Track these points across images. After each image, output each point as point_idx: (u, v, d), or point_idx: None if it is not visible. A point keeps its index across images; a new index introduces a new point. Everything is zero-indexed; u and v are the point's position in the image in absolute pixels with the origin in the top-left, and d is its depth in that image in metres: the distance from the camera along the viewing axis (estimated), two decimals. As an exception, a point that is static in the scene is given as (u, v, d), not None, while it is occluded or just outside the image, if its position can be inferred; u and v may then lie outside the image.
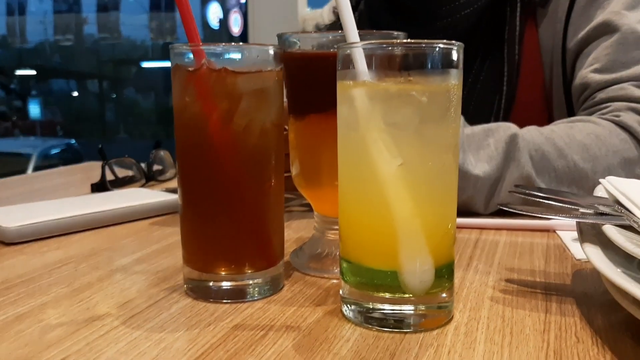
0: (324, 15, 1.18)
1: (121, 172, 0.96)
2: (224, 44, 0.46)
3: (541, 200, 0.50)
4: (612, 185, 0.49)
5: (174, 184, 0.96)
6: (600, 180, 0.52)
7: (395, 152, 0.39)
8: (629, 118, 0.74)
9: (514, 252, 0.58)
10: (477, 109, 0.93)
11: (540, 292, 0.47)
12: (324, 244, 0.55)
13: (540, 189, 0.58)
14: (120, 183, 0.94)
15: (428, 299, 0.41)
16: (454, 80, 0.40)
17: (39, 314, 0.44)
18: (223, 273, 0.47)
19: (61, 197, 0.79)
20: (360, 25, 0.44)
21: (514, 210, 0.50)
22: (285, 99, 0.53)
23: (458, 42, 0.40)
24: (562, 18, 0.88)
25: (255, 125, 0.46)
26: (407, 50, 0.40)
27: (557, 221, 0.64)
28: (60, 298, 0.47)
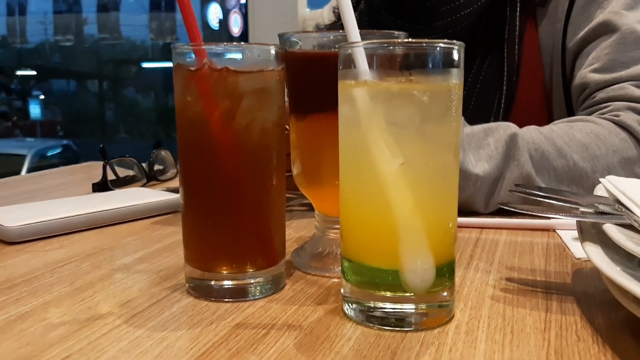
0: (324, 15, 1.18)
1: (122, 172, 0.96)
2: (225, 43, 0.46)
3: (541, 199, 0.50)
4: (612, 185, 0.49)
5: (175, 183, 0.96)
6: (600, 179, 0.52)
7: (396, 151, 0.39)
8: (628, 117, 0.74)
9: (514, 251, 0.58)
10: (477, 108, 0.94)
11: (541, 291, 0.47)
12: (325, 243, 0.55)
13: (540, 188, 0.58)
14: (122, 183, 0.94)
15: (429, 297, 0.41)
16: (455, 79, 0.40)
17: (41, 313, 0.44)
18: (225, 272, 0.47)
19: (63, 197, 0.79)
20: (360, 25, 0.44)
21: (515, 210, 0.50)
22: (286, 99, 0.53)
23: (459, 42, 0.40)
24: (561, 18, 0.88)
25: (256, 125, 0.46)
26: (408, 50, 0.40)
27: (557, 220, 0.65)
28: (63, 297, 0.48)
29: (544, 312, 0.43)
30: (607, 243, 0.42)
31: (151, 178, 0.98)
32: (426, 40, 0.39)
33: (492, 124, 0.73)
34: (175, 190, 0.81)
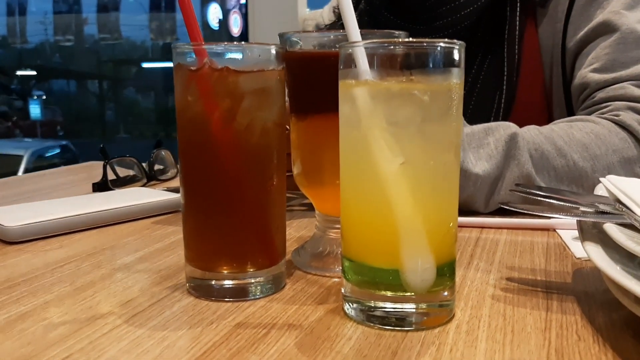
0: (324, 15, 1.18)
1: (122, 172, 0.96)
2: (226, 43, 0.46)
3: (542, 198, 0.50)
4: (613, 184, 0.49)
5: (175, 183, 0.96)
6: (601, 179, 0.52)
7: (397, 151, 0.39)
8: (628, 117, 0.74)
9: (515, 251, 0.58)
10: (477, 108, 0.94)
11: (541, 291, 0.47)
12: (326, 242, 0.55)
13: (540, 188, 0.58)
14: (122, 182, 0.94)
15: (430, 297, 0.41)
16: (456, 79, 0.40)
17: (41, 313, 0.44)
18: (225, 272, 0.47)
19: (63, 197, 0.79)
20: (360, 25, 0.44)
21: (515, 209, 0.50)
22: (286, 99, 0.53)
23: (460, 41, 0.40)
24: (561, 18, 0.88)
25: (257, 125, 0.46)
26: (409, 50, 0.40)
27: (557, 220, 0.65)
28: (63, 297, 0.48)
29: (545, 311, 0.43)
30: (608, 243, 0.42)
31: (151, 178, 0.98)
32: (427, 39, 0.39)
33: (492, 124, 0.73)
34: (175, 190, 0.81)
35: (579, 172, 0.70)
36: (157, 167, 1.00)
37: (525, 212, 0.50)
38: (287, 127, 0.55)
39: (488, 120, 0.81)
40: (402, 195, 0.40)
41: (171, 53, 0.47)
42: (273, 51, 0.47)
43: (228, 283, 0.47)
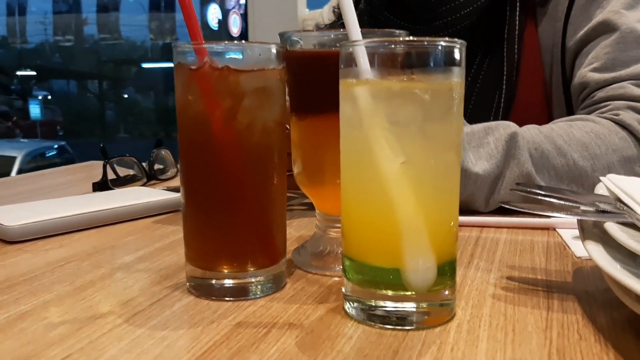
0: (324, 15, 1.18)
1: (122, 171, 0.96)
2: (226, 42, 0.46)
3: (542, 198, 0.50)
4: (613, 183, 0.49)
5: (175, 182, 0.96)
6: (601, 177, 0.52)
7: (398, 150, 0.39)
8: (628, 117, 0.74)
9: (515, 250, 0.58)
10: (476, 107, 0.94)
11: (542, 290, 0.47)
12: (326, 242, 0.55)
13: (540, 187, 0.58)
14: (122, 182, 0.94)
15: (430, 296, 0.41)
16: (457, 78, 0.40)
17: (41, 312, 0.44)
18: (225, 271, 0.47)
19: (63, 196, 0.79)
20: (360, 24, 0.44)
21: (515, 208, 0.50)
22: (287, 98, 0.53)
23: (461, 40, 0.40)
24: (561, 17, 0.88)
25: (257, 124, 0.46)
26: (409, 49, 0.40)
27: (557, 219, 0.65)
28: (63, 296, 0.47)
29: (546, 310, 0.43)
30: (608, 242, 0.42)
31: (151, 177, 0.98)
32: (428, 38, 0.39)
33: (492, 123, 0.73)
34: (175, 190, 0.81)
35: (579, 171, 0.70)
36: (157, 166, 1.00)
37: (526, 211, 0.50)
38: (288, 126, 0.55)
39: (488, 120, 0.81)
40: (403, 195, 0.40)
41: (171, 53, 0.47)
42: (273, 50, 0.47)
43: (228, 282, 0.47)
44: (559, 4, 0.89)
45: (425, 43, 0.39)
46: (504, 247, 0.59)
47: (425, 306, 0.41)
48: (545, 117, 0.92)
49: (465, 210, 0.69)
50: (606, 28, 0.83)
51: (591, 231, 0.45)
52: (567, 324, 0.41)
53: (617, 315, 0.42)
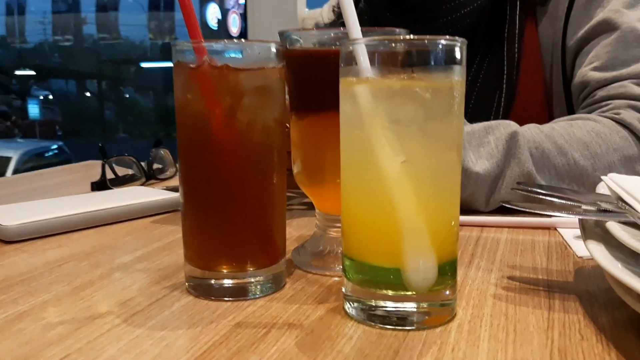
0: (324, 14, 1.18)
1: (121, 171, 0.96)
2: (226, 40, 0.46)
3: (543, 197, 0.49)
4: (615, 182, 0.49)
5: (174, 182, 0.96)
6: (602, 177, 0.52)
7: (398, 149, 0.39)
8: (629, 115, 0.74)
9: (516, 250, 0.58)
10: (477, 107, 0.93)
11: (543, 290, 0.47)
12: (326, 241, 0.55)
13: (541, 186, 0.58)
14: (121, 181, 0.93)
15: (431, 296, 0.41)
16: (458, 76, 0.40)
17: (39, 312, 0.44)
18: (225, 271, 0.47)
19: (61, 196, 0.79)
20: (360, 23, 0.44)
21: (517, 208, 0.50)
22: (287, 97, 0.53)
23: (461, 39, 0.40)
24: (562, 16, 0.88)
25: (257, 123, 0.46)
26: (410, 47, 0.39)
27: (558, 219, 0.64)
28: (61, 296, 0.47)
29: (547, 310, 0.43)
30: (610, 241, 0.42)
31: (150, 177, 0.98)
32: (428, 36, 0.39)
33: (493, 122, 0.73)
34: (174, 189, 0.81)
35: (579, 170, 0.70)
36: (156, 166, 1.00)
37: (527, 210, 0.50)
38: (287, 125, 0.54)
39: (488, 119, 0.80)
40: (404, 194, 0.40)
41: (170, 53, 0.47)
42: (273, 49, 0.46)
43: (228, 282, 0.47)
44: (559, 3, 0.89)
45: (426, 41, 0.39)
46: (505, 246, 0.59)
47: (425, 306, 0.41)
48: (545, 116, 0.92)
49: (465, 209, 0.69)
50: (607, 27, 0.82)
51: (592, 231, 0.45)
52: (568, 323, 0.41)
53: (619, 315, 0.42)
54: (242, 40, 0.49)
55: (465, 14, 0.92)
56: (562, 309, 0.43)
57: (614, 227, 0.42)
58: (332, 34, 0.52)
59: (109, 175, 0.92)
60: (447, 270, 0.41)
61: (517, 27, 0.90)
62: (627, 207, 0.45)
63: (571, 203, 0.48)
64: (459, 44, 0.40)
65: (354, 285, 0.42)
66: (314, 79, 0.52)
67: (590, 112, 0.79)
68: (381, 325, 0.40)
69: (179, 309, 0.44)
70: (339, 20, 1.11)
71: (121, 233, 0.67)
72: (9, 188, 1.00)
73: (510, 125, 0.72)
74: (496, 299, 0.45)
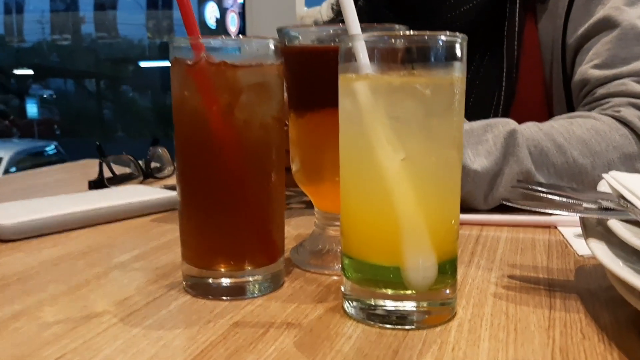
0: (322, 12, 1.17)
1: (119, 170, 0.95)
2: (223, 36, 0.45)
3: (544, 195, 0.49)
4: (616, 180, 0.48)
5: (172, 181, 0.96)
6: (604, 175, 0.51)
7: (398, 146, 0.39)
8: (629, 113, 0.73)
9: (516, 248, 0.58)
10: (476, 105, 0.93)
11: (544, 289, 0.47)
12: (325, 240, 0.54)
13: (542, 184, 0.58)
14: (118, 180, 0.93)
15: (431, 295, 0.40)
16: (458, 73, 0.40)
17: (35, 312, 0.43)
18: (222, 270, 0.46)
19: (58, 194, 0.78)
20: (359, 22, 0.43)
21: (517, 206, 0.49)
22: (285, 94, 0.53)
23: (462, 34, 0.40)
24: (562, 14, 0.88)
25: (255, 120, 0.45)
26: (410, 43, 0.39)
27: (559, 217, 0.64)
28: (58, 295, 0.47)
29: (548, 309, 0.42)
30: (611, 240, 0.42)
31: (148, 175, 0.97)
32: (428, 32, 0.38)
33: (491, 120, 0.72)
34: (172, 188, 0.80)
35: (578, 169, 0.70)
36: (153, 164, 1.00)
37: (527, 208, 0.49)
38: (286, 123, 0.54)
39: (487, 117, 0.80)
40: (404, 192, 0.39)
41: (168, 51, 0.46)
42: (271, 45, 0.46)
43: (225, 281, 0.46)
44: (560, 0, 0.88)
45: (426, 37, 0.39)
46: (505, 245, 0.59)
47: (425, 305, 0.40)
48: (545, 114, 0.92)
49: (464, 207, 0.68)
50: (607, 24, 0.82)
51: (594, 229, 0.44)
52: (569, 322, 0.40)
53: (621, 314, 0.41)
54: (240, 36, 0.48)
55: (464, 12, 0.91)
56: (563, 308, 0.43)
57: (616, 225, 0.41)
58: (331, 31, 0.51)
59: (107, 173, 0.91)
60: (447, 268, 0.41)
61: (516, 24, 0.90)
62: (628, 205, 0.44)
63: (572, 201, 0.48)
64: (459, 40, 0.39)
65: (353, 284, 0.42)
66: (312, 76, 0.51)
67: (590, 110, 0.79)
68: (380, 325, 0.40)
69: (176, 308, 0.44)
70: (337, 18, 1.10)
71: (118, 232, 0.67)
72: (5, 186, 1.00)
73: (509, 124, 0.71)
74: (496, 298, 0.45)
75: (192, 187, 0.47)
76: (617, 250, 0.40)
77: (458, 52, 0.40)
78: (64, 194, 0.79)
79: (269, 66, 0.46)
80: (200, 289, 0.46)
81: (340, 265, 0.44)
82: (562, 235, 0.62)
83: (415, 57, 0.39)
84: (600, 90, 0.80)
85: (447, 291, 0.41)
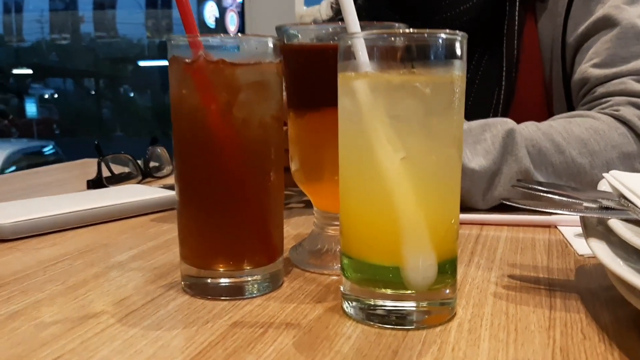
0: (322, 11, 1.17)
1: (117, 169, 0.95)
2: (222, 34, 0.45)
3: (543, 194, 0.49)
4: (617, 179, 0.48)
5: (170, 180, 0.95)
6: (604, 174, 0.51)
7: (398, 145, 0.38)
8: (628, 112, 0.73)
9: (516, 248, 0.57)
10: (475, 104, 0.93)
11: (544, 288, 0.46)
12: (324, 240, 0.54)
13: (541, 184, 0.57)
14: (117, 179, 0.93)
15: (431, 295, 0.40)
16: (458, 71, 0.39)
17: (33, 312, 0.43)
18: (221, 269, 0.46)
19: (57, 194, 0.78)
20: (359, 19, 0.43)
21: (517, 205, 0.49)
22: (284, 93, 0.52)
23: (462, 33, 0.39)
24: (561, 13, 0.88)
25: (254, 119, 0.45)
26: (410, 41, 0.39)
27: (559, 216, 0.64)
28: (55, 295, 0.46)
29: (548, 309, 0.42)
30: (612, 239, 0.42)
31: (147, 175, 0.97)
32: (428, 30, 0.38)
33: (490, 120, 0.72)
34: (171, 187, 0.80)
35: (577, 168, 0.70)
36: (152, 164, 0.99)
37: (527, 208, 0.49)
38: (285, 123, 0.54)
39: (487, 116, 0.80)
40: (403, 191, 0.39)
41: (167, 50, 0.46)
42: (270, 43, 0.46)
43: (224, 281, 0.46)
44: (559, -1, 0.88)
45: (426, 35, 0.38)
46: (505, 245, 0.59)
47: (425, 305, 0.40)
48: (545, 113, 0.91)
49: (462, 206, 0.68)
50: (607, 23, 0.82)
51: (594, 228, 0.44)
52: (570, 322, 0.40)
53: (621, 314, 0.41)
54: (239, 34, 0.48)
55: (464, 11, 0.91)
56: (563, 308, 0.42)
57: (617, 225, 0.41)
58: (330, 29, 0.51)
59: (105, 173, 0.91)
60: (447, 268, 0.41)
61: (516, 23, 0.90)
62: (629, 204, 0.44)
63: (572, 200, 0.48)
64: (459, 38, 0.39)
65: (353, 284, 0.42)
66: (312, 74, 0.51)
67: (589, 109, 0.78)
68: (380, 325, 0.40)
69: (174, 309, 0.44)
70: (337, 16, 1.10)
71: (116, 231, 0.66)
72: (3, 186, 1.00)
73: (507, 123, 0.71)
74: (496, 298, 0.45)
75: (191, 187, 0.46)
76: (617, 250, 0.40)
77: (458, 50, 0.39)
78: (62, 194, 0.78)
79: (267, 64, 0.46)
80: (198, 288, 0.46)
81: (340, 265, 0.44)
82: (562, 235, 0.62)
83: (415, 55, 0.39)
84: (600, 89, 0.80)
85: (447, 291, 0.41)
